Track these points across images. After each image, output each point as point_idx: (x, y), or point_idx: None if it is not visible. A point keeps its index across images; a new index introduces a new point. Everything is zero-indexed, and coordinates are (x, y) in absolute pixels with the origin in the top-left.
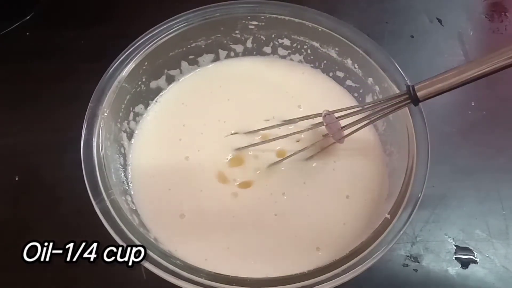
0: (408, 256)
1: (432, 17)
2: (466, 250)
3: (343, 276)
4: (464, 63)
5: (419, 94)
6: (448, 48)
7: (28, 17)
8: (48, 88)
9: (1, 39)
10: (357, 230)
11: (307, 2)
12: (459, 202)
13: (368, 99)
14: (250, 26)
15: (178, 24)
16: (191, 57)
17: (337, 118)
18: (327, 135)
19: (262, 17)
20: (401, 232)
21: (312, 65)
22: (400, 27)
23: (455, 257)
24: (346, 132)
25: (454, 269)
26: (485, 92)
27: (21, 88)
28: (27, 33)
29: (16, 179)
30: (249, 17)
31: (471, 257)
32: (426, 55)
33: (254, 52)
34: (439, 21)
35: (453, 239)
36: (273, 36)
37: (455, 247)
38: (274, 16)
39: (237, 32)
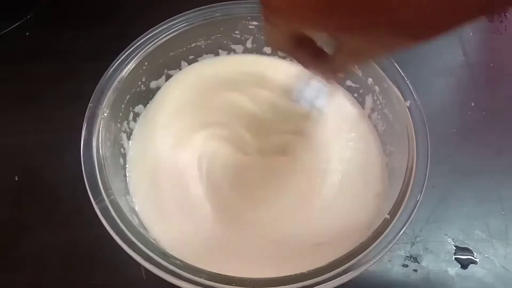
0: (408, 256)
1: None
2: (466, 250)
3: (342, 276)
4: (464, 63)
5: None
6: (448, 48)
7: (28, 17)
8: (48, 88)
9: (1, 39)
10: (357, 230)
11: None
12: (459, 203)
13: (368, 99)
14: (250, 27)
15: (178, 24)
16: (191, 57)
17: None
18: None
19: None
20: (401, 233)
21: None
22: None
23: (454, 258)
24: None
25: (453, 270)
26: (485, 92)
27: (21, 88)
28: (27, 33)
29: (16, 179)
30: (249, 17)
31: (471, 257)
32: (426, 54)
33: (254, 52)
34: None
35: (452, 239)
36: None
37: (454, 248)
38: None
39: (237, 32)
